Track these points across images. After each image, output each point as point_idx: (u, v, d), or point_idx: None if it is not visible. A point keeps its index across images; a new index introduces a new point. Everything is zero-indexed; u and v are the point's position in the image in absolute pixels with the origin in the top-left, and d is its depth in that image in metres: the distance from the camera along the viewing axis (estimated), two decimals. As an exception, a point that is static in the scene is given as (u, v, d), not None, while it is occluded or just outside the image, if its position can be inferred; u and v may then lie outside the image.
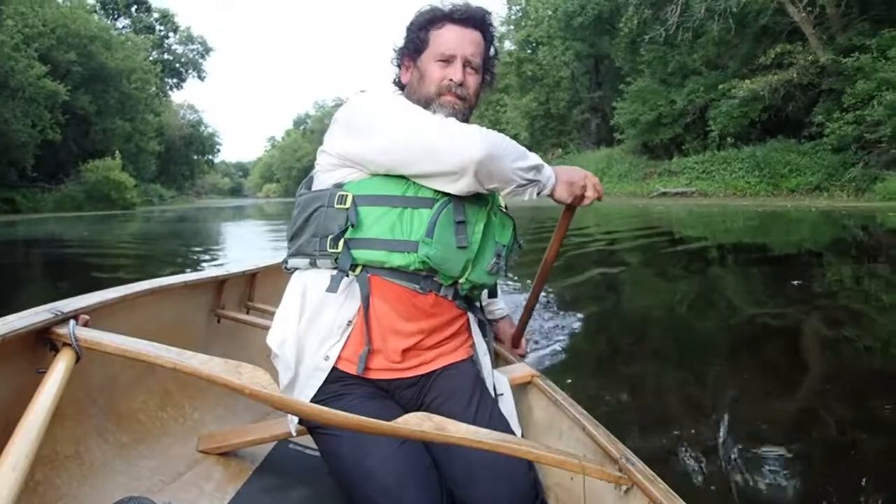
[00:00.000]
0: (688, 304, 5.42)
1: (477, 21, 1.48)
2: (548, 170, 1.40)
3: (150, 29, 53.56)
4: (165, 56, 56.32)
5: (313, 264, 1.40)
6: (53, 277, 8.23)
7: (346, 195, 1.36)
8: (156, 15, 54.83)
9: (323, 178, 1.44)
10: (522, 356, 1.90)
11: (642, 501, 1.16)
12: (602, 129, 35.96)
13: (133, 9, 52.80)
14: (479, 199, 1.42)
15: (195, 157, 62.93)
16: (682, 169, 26.01)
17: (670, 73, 27.30)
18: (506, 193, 1.39)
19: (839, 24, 21.15)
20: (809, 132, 21.70)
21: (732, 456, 2.23)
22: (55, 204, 31.78)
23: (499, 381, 1.57)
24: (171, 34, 56.87)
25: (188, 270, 8.13)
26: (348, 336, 1.37)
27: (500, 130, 1.44)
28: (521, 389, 1.72)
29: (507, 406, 1.52)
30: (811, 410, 2.79)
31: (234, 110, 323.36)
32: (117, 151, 35.31)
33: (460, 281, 1.40)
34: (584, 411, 1.50)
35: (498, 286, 1.71)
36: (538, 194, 1.40)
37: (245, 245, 13.16)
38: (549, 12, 35.02)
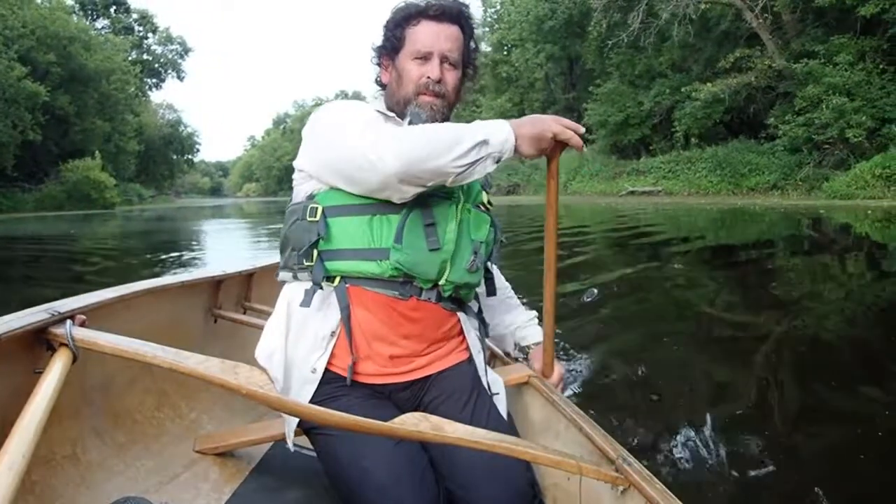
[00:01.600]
0: (681, 303, 5.43)
1: (453, 15, 1.43)
2: (499, 135, 1.27)
3: (129, 30, 53.60)
4: (145, 56, 56.40)
5: (296, 277, 1.40)
6: (47, 274, 8.52)
7: (317, 207, 1.35)
8: (135, 16, 54.92)
9: (298, 189, 1.45)
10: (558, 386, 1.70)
11: (639, 502, 1.15)
12: (576, 129, 36.33)
13: (112, 10, 52.77)
14: (448, 199, 1.39)
15: (175, 157, 63.14)
16: (650, 168, 26.73)
17: (638, 76, 28.10)
18: (451, 182, 1.27)
19: (795, 30, 22.04)
20: (767, 133, 22.50)
21: (730, 456, 2.25)
22: (36, 203, 32.12)
23: (495, 381, 1.55)
24: (150, 35, 57.08)
25: (174, 257, 8.80)
26: (333, 347, 1.36)
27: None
28: (517, 389, 1.71)
29: (504, 406, 1.51)
30: (809, 410, 2.79)
31: (214, 110, 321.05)
32: (97, 151, 35.66)
33: (440, 283, 1.37)
34: (581, 411, 1.48)
35: (498, 286, 1.67)
36: (497, 162, 1.28)
37: (220, 240, 13.87)
38: (523, 16, 35.27)
